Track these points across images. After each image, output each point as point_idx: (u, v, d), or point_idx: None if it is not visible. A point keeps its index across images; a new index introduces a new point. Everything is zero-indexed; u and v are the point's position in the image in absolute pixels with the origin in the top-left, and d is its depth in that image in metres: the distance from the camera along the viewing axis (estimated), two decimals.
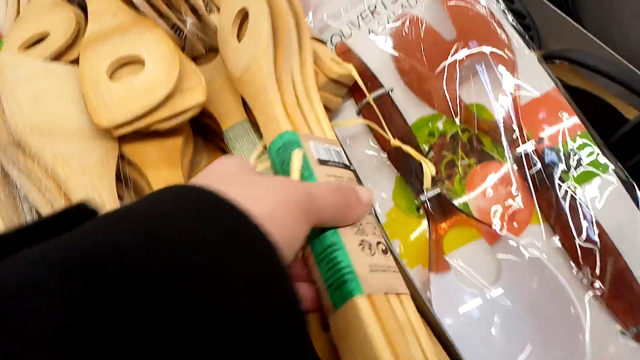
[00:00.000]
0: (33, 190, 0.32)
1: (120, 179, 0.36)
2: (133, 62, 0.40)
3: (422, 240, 0.36)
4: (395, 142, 0.36)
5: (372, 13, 0.43)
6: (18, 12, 0.54)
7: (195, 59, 0.47)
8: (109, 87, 0.38)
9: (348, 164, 0.32)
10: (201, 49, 0.45)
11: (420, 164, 0.36)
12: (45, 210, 0.31)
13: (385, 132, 0.37)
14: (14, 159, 0.33)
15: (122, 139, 0.37)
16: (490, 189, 0.34)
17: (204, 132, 0.45)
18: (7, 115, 0.33)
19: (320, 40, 0.43)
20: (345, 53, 0.42)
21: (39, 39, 0.45)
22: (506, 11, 0.39)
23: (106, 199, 0.32)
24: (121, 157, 0.37)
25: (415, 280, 0.34)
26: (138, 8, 0.42)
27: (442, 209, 0.35)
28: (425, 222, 0.37)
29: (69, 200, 0.31)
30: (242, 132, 0.40)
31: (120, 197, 0.34)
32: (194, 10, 0.44)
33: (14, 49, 0.44)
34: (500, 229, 0.33)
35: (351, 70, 0.39)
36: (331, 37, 0.44)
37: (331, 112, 0.41)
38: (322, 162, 0.30)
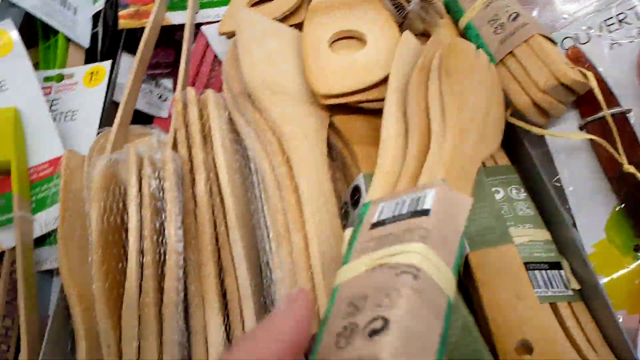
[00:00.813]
0: (256, 142, 0.33)
1: None
2: (351, 37, 0.40)
3: (633, 283, 0.32)
4: (628, 168, 0.32)
5: (620, 22, 0.38)
6: None
7: None
8: (329, 57, 0.38)
9: (423, 207, 0.22)
10: (420, 28, 0.44)
11: None
12: (264, 163, 0.32)
13: (619, 154, 0.33)
14: (242, 109, 0.35)
15: (333, 110, 0.38)
16: None
17: None
18: (242, 69, 0.35)
19: (551, 40, 0.39)
20: (579, 60, 0.38)
21: None
22: None
23: (320, 166, 0.32)
24: (329, 124, 0.38)
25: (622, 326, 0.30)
26: None
27: None
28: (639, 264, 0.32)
29: (288, 158, 0.32)
30: None
31: None
32: None
33: (244, 3, 0.46)
34: None
35: (590, 78, 0.35)
36: (563, 39, 0.40)
37: (549, 118, 0.38)
38: (376, 225, 0.23)
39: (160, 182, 0.31)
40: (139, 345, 0.29)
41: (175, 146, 0.35)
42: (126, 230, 0.30)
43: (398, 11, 0.43)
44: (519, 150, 0.40)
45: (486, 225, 0.31)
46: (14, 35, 0.46)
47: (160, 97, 0.53)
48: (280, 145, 0.32)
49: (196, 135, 0.33)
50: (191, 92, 0.34)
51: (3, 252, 0.38)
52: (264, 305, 0.31)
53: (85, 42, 0.56)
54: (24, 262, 0.35)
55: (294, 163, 0.31)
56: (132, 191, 0.30)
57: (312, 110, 0.35)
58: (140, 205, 0.30)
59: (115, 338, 0.29)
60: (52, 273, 0.39)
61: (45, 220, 0.39)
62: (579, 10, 0.42)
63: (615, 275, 0.33)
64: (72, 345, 0.33)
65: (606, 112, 0.35)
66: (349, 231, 0.25)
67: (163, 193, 0.31)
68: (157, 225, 0.30)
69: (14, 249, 0.37)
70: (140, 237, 0.29)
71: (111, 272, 0.29)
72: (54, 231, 0.38)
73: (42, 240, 0.39)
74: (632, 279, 0.32)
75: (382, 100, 0.37)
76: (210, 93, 0.34)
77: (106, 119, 0.45)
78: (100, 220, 0.29)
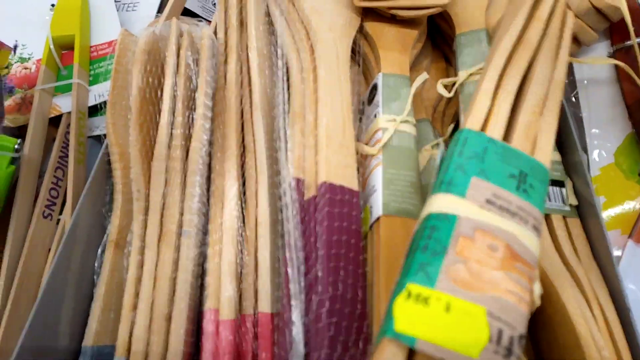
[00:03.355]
0: (286, 30, 0.36)
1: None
2: None
3: (630, 206, 0.33)
4: None
5: None
6: None
7: None
8: None
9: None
10: None
11: None
12: (292, 54, 0.35)
13: None
14: (279, 0, 0.37)
15: (366, 16, 0.39)
16: None
17: (435, 37, 0.46)
18: None
19: None
20: None
21: None
22: None
23: (341, 56, 0.35)
24: (360, 30, 0.39)
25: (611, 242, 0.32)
26: None
27: None
28: None
29: (313, 49, 0.34)
30: (474, 41, 0.39)
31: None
32: None
33: None
34: None
35: (622, 3, 0.35)
36: None
37: (580, 47, 0.38)
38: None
39: (196, 54, 0.34)
40: (164, 192, 0.33)
41: (215, 33, 0.38)
42: (162, 91, 0.33)
43: None
44: None
45: None
46: None
47: (214, 3, 0.56)
48: (308, 34, 0.35)
49: (233, 18, 0.36)
50: None
51: (61, 115, 0.43)
52: (277, 174, 0.34)
53: None
54: (77, 122, 0.40)
55: (316, 51, 0.34)
56: (170, 58, 0.33)
57: (343, 10, 0.37)
58: (177, 72, 0.33)
59: (145, 183, 0.33)
60: (100, 139, 0.44)
61: (99, 92, 0.43)
62: None
63: (615, 197, 0.34)
64: (110, 197, 0.38)
65: (634, 40, 0.35)
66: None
67: (197, 64, 0.34)
68: (189, 92, 0.34)
69: (70, 114, 0.42)
70: (174, 98, 0.33)
71: (146, 124, 0.33)
72: (106, 103, 0.43)
73: (95, 111, 0.44)
74: (631, 201, 0.33)
75: (413, 9, 0.38)
76: None
77: (163, 11, 0.48)
78: (140, 78, 0.33)
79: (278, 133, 0.33)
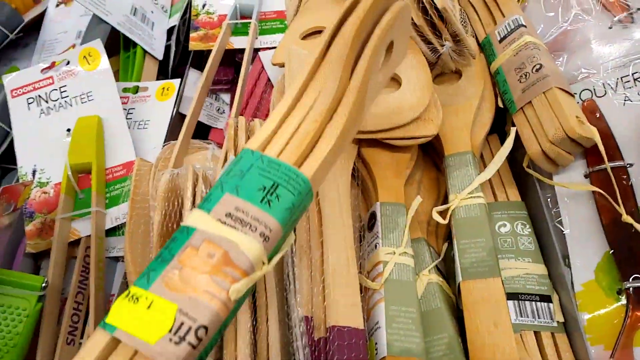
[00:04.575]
0: None
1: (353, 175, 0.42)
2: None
3: (612, 322, 0.36)
4: (626, 218, 0.36)
5: (635, 80, 0.41)
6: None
7: (438, 74, 0.51)
8: None
9: None
10: (452, 67, 0.49)
11: None
12: None
13: (618, 204, 0.36)
14: None
15: (361, 141, 0.43)
16: None
17: (425, 146, 0.49)
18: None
19: (568, 92, 0.43)
20: (593, 113, 0.42)
21: (315, 31, 0.53)
22: None
23: (342, 191, 0.38)
24: (357, 154, 0.43)
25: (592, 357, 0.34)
26: None
27: None
28: (621, 307, 0.36)
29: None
30: (462, 164, 0.42)
31: None
32: (454, 35, 0.47)
33: (296, 37, 0.52)
34: None
35: (594, 135, 0.38)
36: (581, 91, 0.44)
37: (558, 167, 0.42)
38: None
39: None
40: None
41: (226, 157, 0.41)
42: None
43: (432, 52, 0.48)
44: (531, 189, 0.44)
45: (479, 259, 0.36)
46: (102, 53, 0.54)
47: (218, 109, 0.60)
48: None
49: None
50: (242, 120, 0.40)
51: (79, 239, 0.46)
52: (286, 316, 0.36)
53: (159, 55, 0.63)
54: (96, 248, 0.43)
55: (320, 190, 0.37)
56: (187, 203, 0.36)
57: None
58: None
59: None
60: (117, 259, 0.46)
61: (116, 215, 0.46)
62: (603, 63, 0.45)
63: (597, 313, 0.37)
64: None
65: (607, 165, 0.38)
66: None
67: None
68: None
69: (88, 237, 0.45)
70: None
71: None
72: (122, 225, 0.46)
73: (112, 231, 0.47)
74: (612, 318, 0.36)
75: (407, 138, 0.42)
76: (257, 122, 0.40)
77: (172, 129, 0.52)
78: (161, 225, 0.36)
79: (287, 273, 0.36)
